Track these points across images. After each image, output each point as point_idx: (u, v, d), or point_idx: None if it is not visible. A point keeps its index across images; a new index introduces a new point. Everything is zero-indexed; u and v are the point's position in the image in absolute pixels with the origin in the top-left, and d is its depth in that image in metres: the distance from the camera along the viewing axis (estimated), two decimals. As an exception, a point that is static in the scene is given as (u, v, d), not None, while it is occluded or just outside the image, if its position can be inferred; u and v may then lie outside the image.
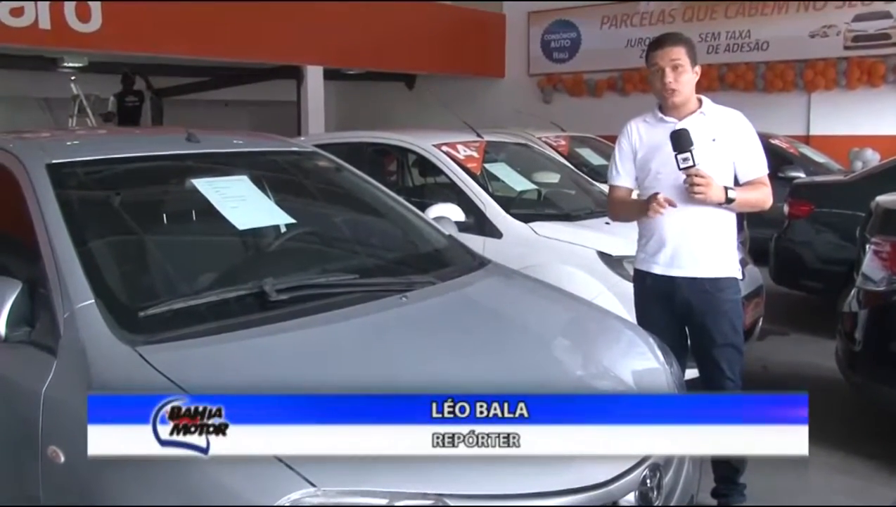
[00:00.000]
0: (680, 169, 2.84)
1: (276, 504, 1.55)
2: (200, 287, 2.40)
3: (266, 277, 2.29)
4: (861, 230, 4.37)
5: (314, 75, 10.53)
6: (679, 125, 2.91)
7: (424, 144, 5.04)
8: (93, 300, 2.07)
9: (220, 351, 2.01)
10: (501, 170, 5.19)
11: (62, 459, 1.88)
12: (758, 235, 6.97)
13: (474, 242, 3.61)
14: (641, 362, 2.45)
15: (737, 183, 3.00)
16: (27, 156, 2.55)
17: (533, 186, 5.36)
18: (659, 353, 2.52)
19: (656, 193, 2.91)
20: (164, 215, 2.96)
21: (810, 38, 10.73)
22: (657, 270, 3.03)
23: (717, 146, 2.93)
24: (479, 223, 4.43)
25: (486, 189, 4.70)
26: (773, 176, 8.45)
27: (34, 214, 2.32)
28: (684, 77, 2.92)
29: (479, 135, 5.33)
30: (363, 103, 14.40)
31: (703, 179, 2.81)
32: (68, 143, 3.10)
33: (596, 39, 12.86)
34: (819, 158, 8.91)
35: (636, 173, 3.09)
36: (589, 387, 2.18)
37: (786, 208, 6.15)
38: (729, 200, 2.89)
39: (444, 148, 4.92)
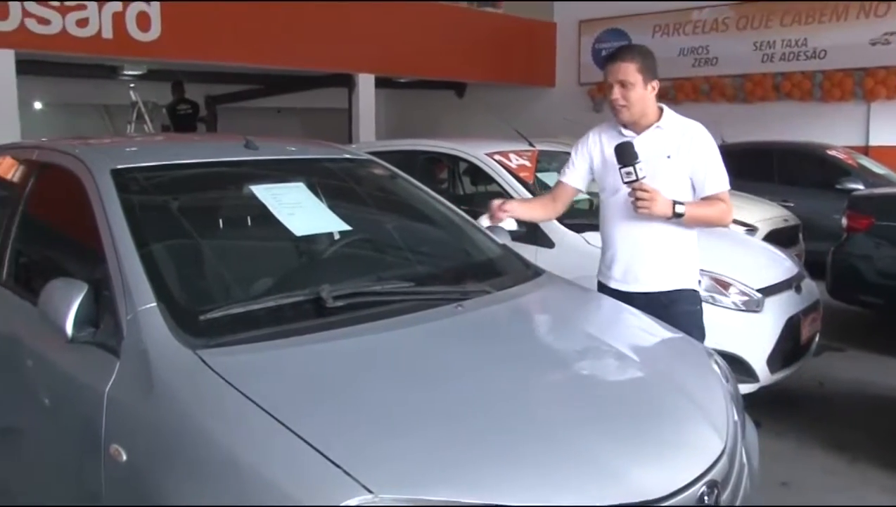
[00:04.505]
0: (623, 183, 2.83)
1: (333, 508, 1.55)
2: (258, 292, 2.43)
3: (322, 283, 2.30)
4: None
5: (366, 83, 10.62)
6: (636, 140, 2.91)
7: (477, 152, 5.04)
8: (155, 303, 2.10)
9: (277, 356, 2.02)
10: (553, 179, 5.16)
11: (124, 457, 1.91)
12: (814, 248, 6.84)
13: (527, 251, 3.59)
14: (698, 373, 2.40)
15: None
16: (93, 161, 2.62)
17: (585, 196, 5.31)
18: (715, 366, 2.49)
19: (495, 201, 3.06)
20: (223, 221, 3.01)
21: (871, 46, 10.49)
22: (613, 284, 3.06)
23: (671, 163, 2.91)
24: (531, 233, 4.40)
25: (538, 198, 4.68)
26: (831, 188, 8.28)
27: (99, 217, 2.38)
28: (633, 94, 2.89)
29: (531, 144, 5.31)
30: (413, 111, 14.48)
31: (646, 194, 2.79)
32: (131, 149, 3.17)
33: (647, 48, 12.72)
34: (879, 169, 8.69)
35: (599, 182, 3.10)
36: (648, 397, 2.14)
37: (844, 221, 6.02)
38: (677, 215, 2.84)
39: (497, 157, 4.92)
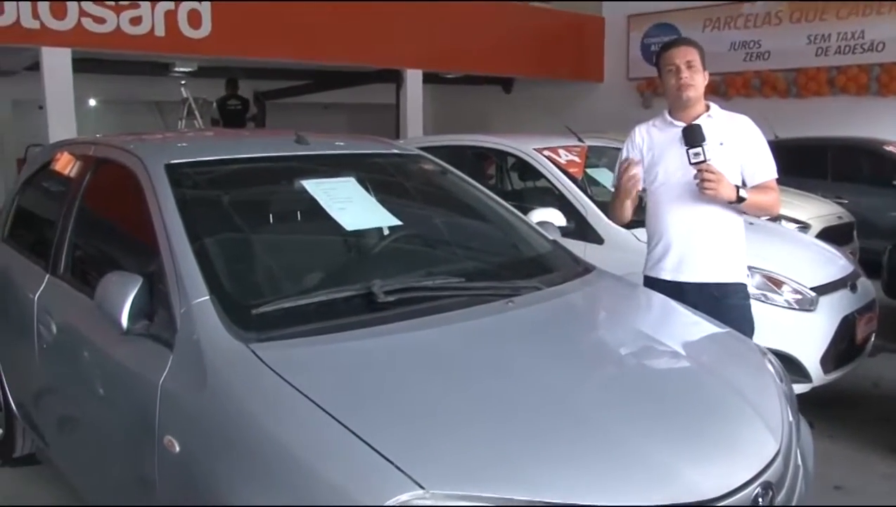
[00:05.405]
0: (691, 164, 2.86)
1: (384, 505, 1.54)
2: (309, 287, 2.45)
3: (373, 278, 2.30)
4: None
5: (413, 79, 10.63)
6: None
7: (526, 147, 5.02)
8: (208, 297, 2.12)
9: (329, 351, 2.03)
10: (603, 175, 5.11)
11: (177, 448, 1.94)
12: (869, 246, 6.67)
13: (575, 247, 3.57)
14: (753, 372, 2.36)
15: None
16: (147, 156, 2.67)
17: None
18: (769, 365, 2.44)
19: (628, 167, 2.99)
20: (274, 215, 3.03)
21: (932, 38, 10.17)
22: (665, 275, 3.07)
23: (724, 150, 2.94)
24: (580, 229, 4.38)
25: (587, 194, 4.65)
26: (888, 184, 8.09)
27: (153, 212, 2.42)
28: (698, 77, 2.97)
29: (580, 139, 5.27)
30: (460, 106, 14.44)
31: (713, 175, 2.83)
32: (184, 144, 3.22)
33: (698, 42, 12.52)
34: (939, 165, 8.43)
35: (643, 176, 3.11)
36: (702, 396, 2.11)
37: (902, 218, 5.86)
38: (740, 200, 2.89)
39: (546, 152, 4.90)
